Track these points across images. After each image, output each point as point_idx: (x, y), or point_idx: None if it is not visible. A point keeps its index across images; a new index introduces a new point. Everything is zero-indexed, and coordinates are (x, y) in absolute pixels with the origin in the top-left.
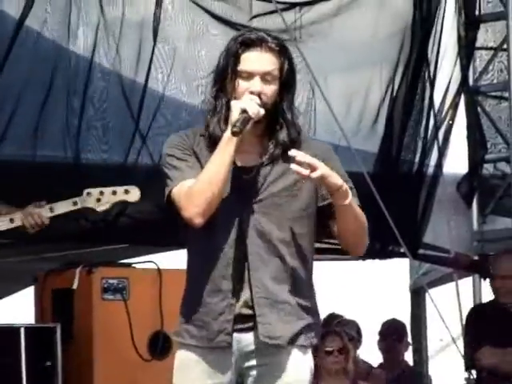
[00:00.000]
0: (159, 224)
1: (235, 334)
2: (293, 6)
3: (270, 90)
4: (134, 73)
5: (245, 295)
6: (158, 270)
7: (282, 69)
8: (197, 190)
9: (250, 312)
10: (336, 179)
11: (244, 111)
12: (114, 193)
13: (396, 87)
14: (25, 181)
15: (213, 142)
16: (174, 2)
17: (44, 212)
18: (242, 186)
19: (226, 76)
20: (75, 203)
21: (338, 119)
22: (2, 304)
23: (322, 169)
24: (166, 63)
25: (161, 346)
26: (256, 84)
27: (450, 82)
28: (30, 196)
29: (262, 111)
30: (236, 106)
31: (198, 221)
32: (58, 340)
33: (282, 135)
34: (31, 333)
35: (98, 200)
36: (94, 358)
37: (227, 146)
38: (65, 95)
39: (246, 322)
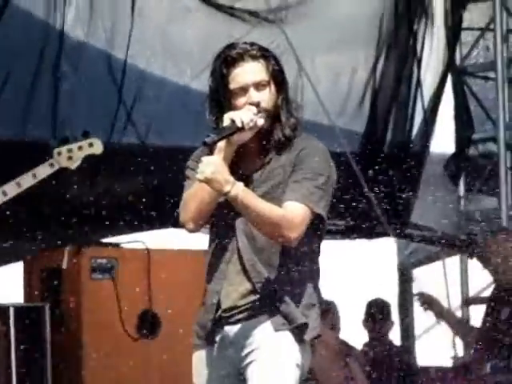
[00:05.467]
0: (145, 203)
1: None
2: None
3: (266, 94)
4: (112, 49)
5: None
6: (147, 249)
7: (270, 71)
8: (185, 199)
9: None
10: (217, 185)
11: (233, 121)
12: (80, 148)
13: (381, 67)
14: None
15: None
16: None
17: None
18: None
19: (219, 97)
20: (52, 165)
21: (324, 98)
22: None
23: (204, 174)
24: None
25: (149, 325)
26: (252, 95)
27: (436, 62)
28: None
29: (261, 120)
30: (226, 118)
31: (189, 226)
32: (47, 319)
33: (277, 134)
34: (20, 312)
35: (70, 158)
36: (83, 337)
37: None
38: (50, 74)
39: None
